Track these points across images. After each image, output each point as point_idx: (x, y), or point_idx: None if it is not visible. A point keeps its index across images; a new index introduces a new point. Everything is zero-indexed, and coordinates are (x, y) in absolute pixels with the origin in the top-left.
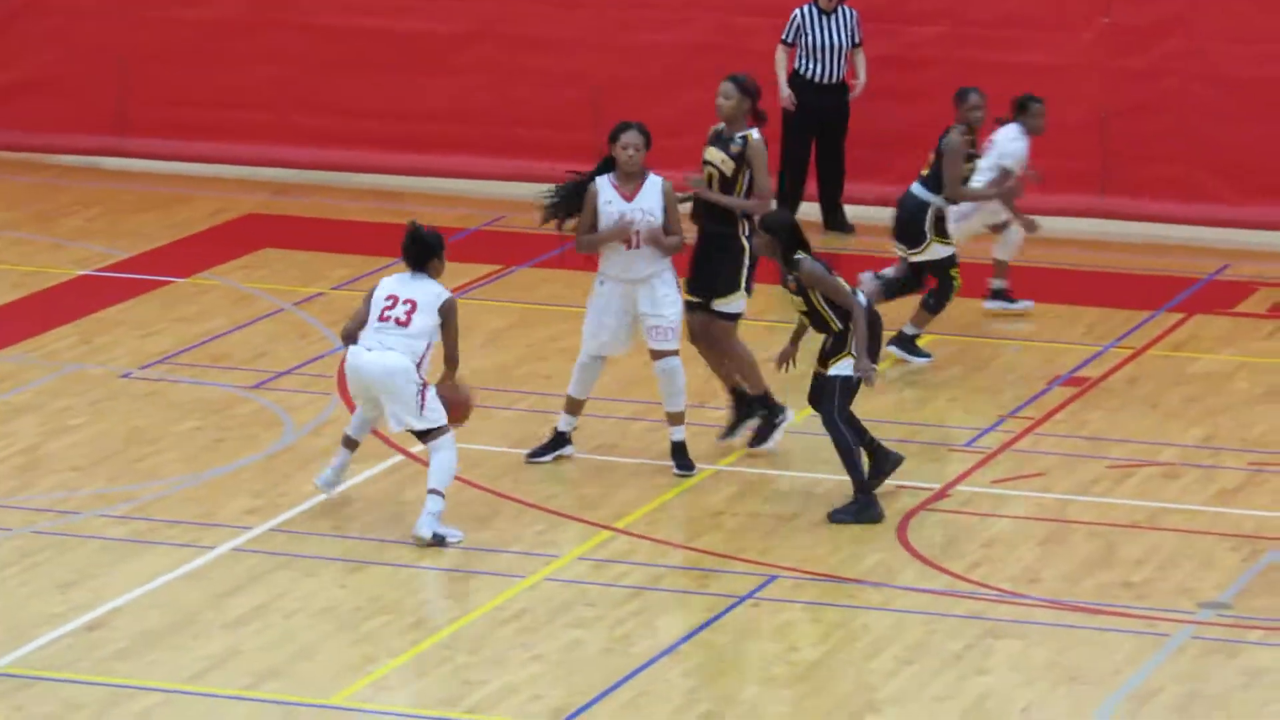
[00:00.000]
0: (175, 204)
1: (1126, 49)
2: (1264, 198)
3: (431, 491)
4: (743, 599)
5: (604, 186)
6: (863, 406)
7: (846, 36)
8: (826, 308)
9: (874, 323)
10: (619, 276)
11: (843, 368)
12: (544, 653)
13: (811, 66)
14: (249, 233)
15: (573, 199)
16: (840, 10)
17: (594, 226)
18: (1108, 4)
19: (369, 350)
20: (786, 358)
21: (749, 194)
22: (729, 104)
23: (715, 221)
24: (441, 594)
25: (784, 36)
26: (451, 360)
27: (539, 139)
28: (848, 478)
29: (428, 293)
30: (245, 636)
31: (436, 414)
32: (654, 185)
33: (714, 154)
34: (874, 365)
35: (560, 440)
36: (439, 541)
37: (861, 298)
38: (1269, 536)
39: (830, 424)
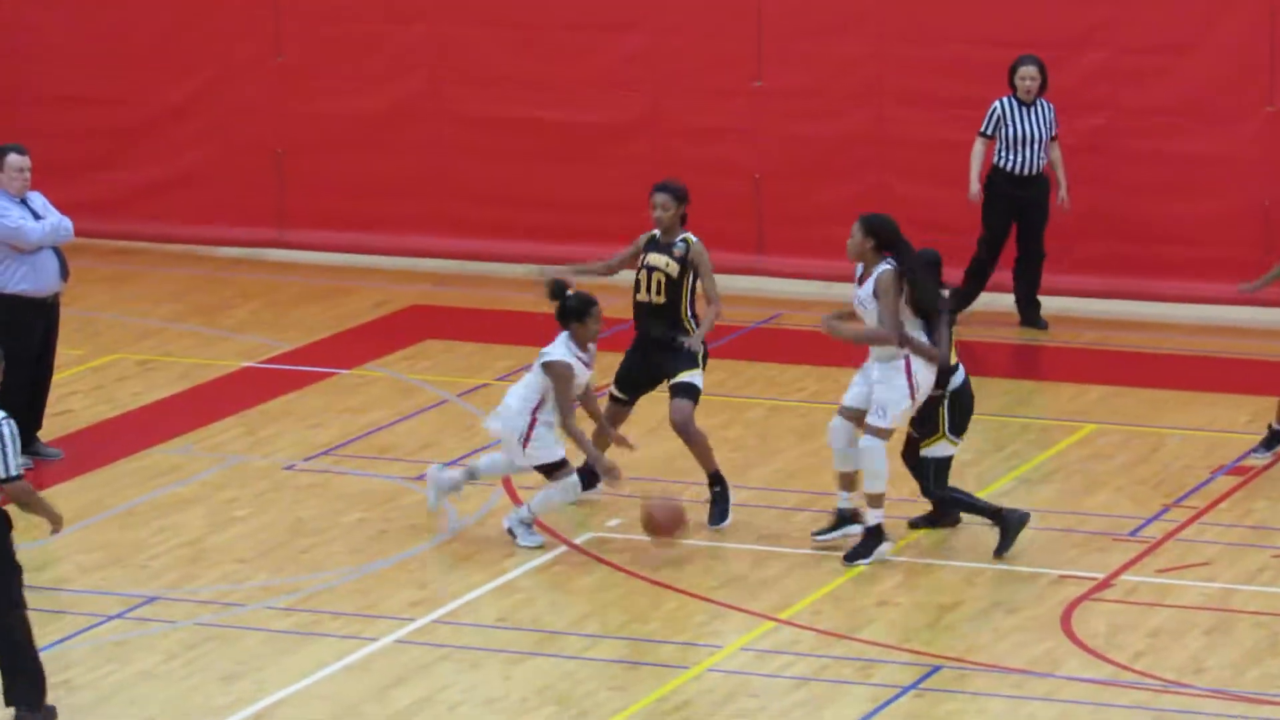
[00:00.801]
0: (337, 296)
1: None
2: None
3: (530, 504)
4: (907, 689)
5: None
6: (1028, 498)
7: (1045, 128)
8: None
9: (958, 394)
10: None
11: (936, 450)
12: None
13: (1011, 158)
14: (411, 324)
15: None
16: (1039, 103)
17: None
18: (1271, 92)
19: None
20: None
21: (692, 295)
22: (667, 214)
23: (668, 325)
24: (605, 685)
25: (983, 129)
26: (561, 423)
27: (700, 229)
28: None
29: (547, 350)
30: None
31: (542, 453)
32: (874, 274)
33: (658, 259)
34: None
35: (843, 518)
36: (510, 534)
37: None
38: None
39: (933, 498)
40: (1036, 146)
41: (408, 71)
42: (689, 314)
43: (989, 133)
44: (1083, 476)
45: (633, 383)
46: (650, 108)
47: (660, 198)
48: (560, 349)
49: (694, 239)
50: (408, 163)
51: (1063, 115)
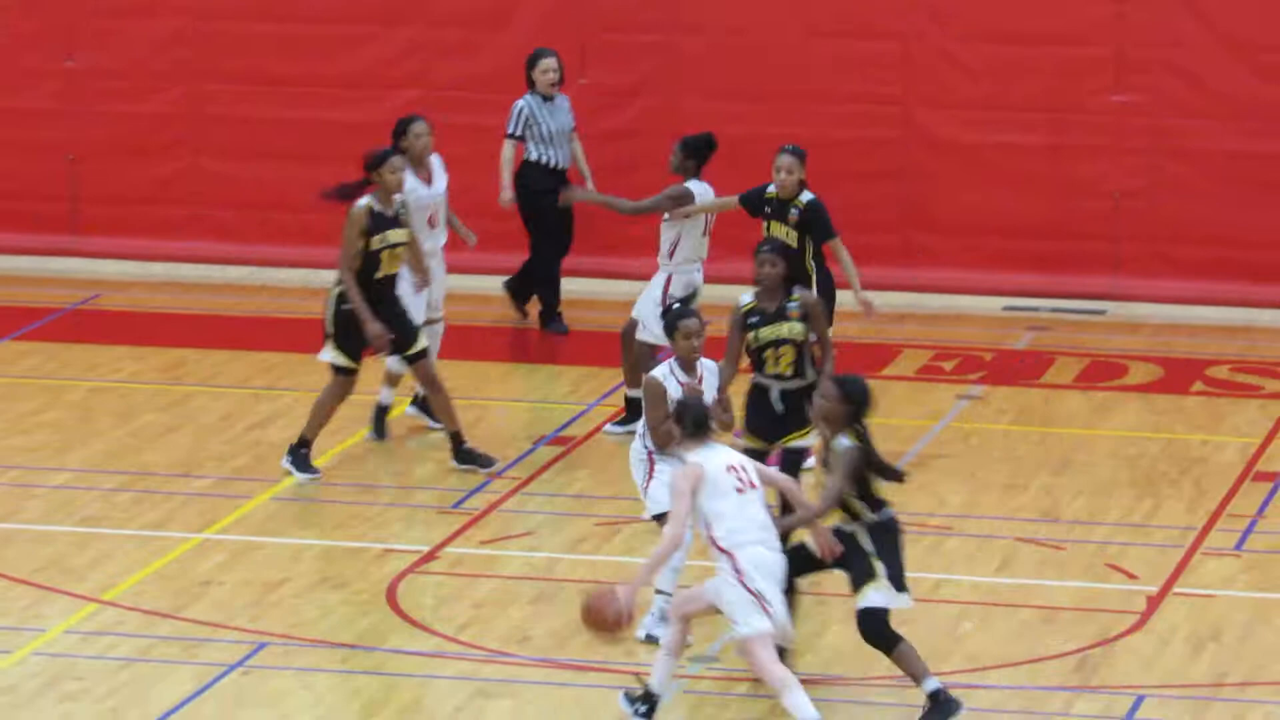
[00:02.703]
0: None
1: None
2: None
3: (657, 590)
4: (233, 667)
5: None
6: (354, 472)
7: (569, 119)
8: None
9: None
10: None
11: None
12: None
13: (548, 153)
14: None
15: None
16: (558, 97)
17: None
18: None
19: None
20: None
21: None
22: (398, 176)
23: None
24: None
25: (511, 130)
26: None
27: (13, 210)
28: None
29: None
30: None
31: (656, 502)
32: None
33: (398, 234)
34: None
35: None
36: (651, 640)
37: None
38: None
39: None
40: (564, 139)
41: None
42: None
43: (518, 134)
44: (406, 450)
45: None
46: None
47: (398, 160)
48: (661, 368)
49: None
50: None
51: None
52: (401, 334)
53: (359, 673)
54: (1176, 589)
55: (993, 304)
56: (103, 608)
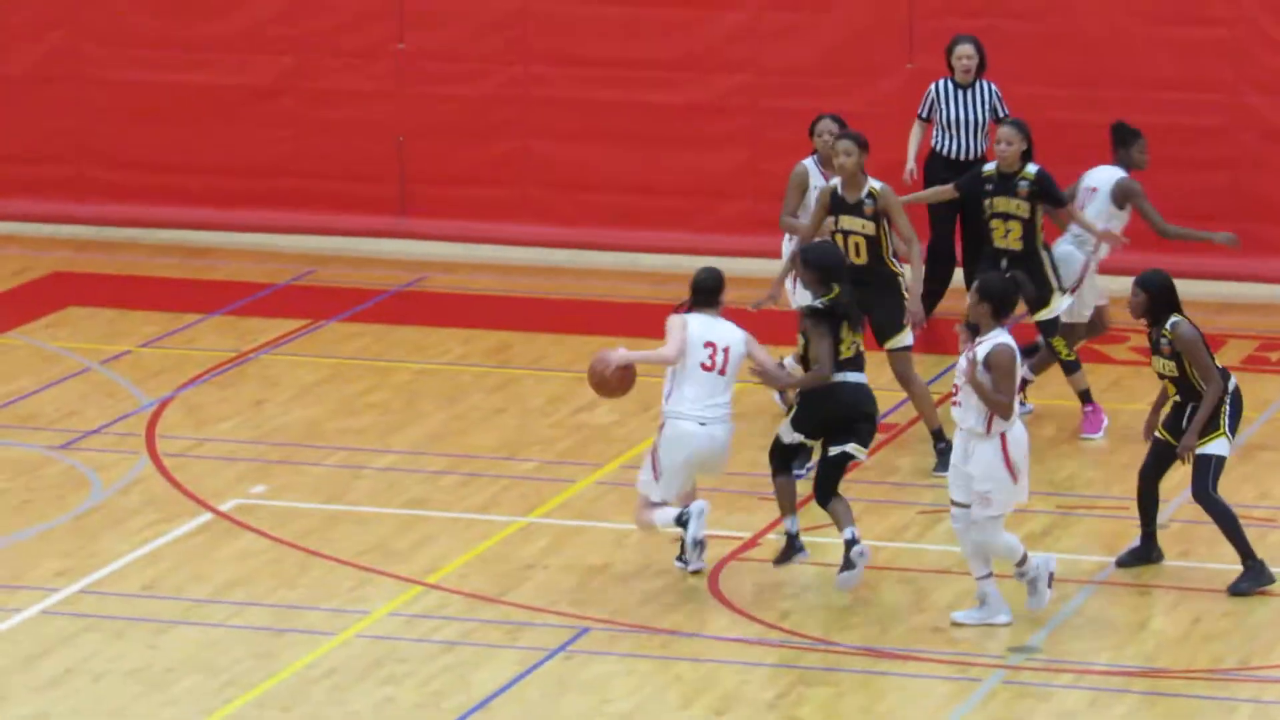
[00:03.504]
0: None
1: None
2: None
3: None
4: (555, 652)
5: None
6: None
7: (984, 111)
8: (1195, 376)
9: (1235, 395)
10: None
11: (1215, 447)
12: (357, 710)
13: (948, 143)
14: (53, 291)
15: None
16: (979, 84)
17: None
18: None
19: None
20: (1152, 429)
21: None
22: (851, 160)
23: (876, 261)
24: (253, 652)
25: (920, 112)
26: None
27: (343, 191)
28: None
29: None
30: (54, 700)
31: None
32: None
33: (852, 222)
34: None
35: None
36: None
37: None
38: (1076, 580)
39: (1205, 499)
40: (975, 130)
41: (45, 31)
42: (890, 257)
43: (925, 116)
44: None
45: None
46: (291, 70)
47: (843, 144)
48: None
49: (878, 186)
50: (47, 126)
51: (708, 75)
52: (885, 324)
53: (680, 659)
54: None
55: None
56: (427, 590)
